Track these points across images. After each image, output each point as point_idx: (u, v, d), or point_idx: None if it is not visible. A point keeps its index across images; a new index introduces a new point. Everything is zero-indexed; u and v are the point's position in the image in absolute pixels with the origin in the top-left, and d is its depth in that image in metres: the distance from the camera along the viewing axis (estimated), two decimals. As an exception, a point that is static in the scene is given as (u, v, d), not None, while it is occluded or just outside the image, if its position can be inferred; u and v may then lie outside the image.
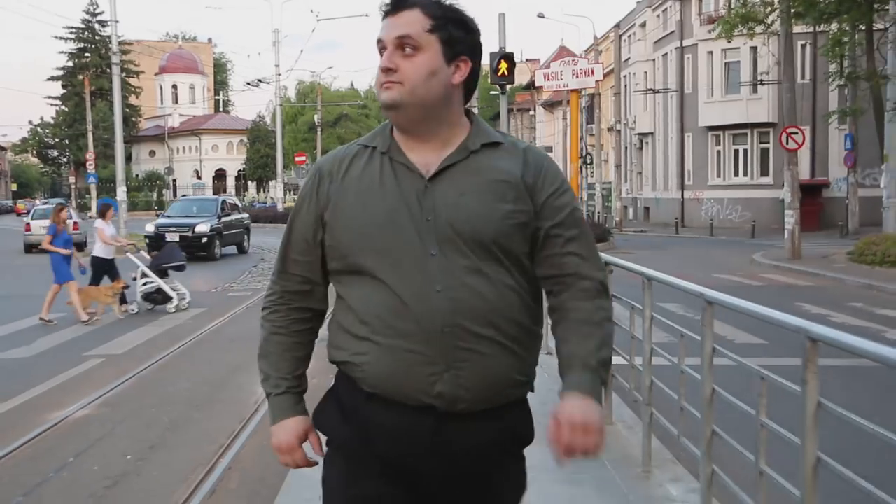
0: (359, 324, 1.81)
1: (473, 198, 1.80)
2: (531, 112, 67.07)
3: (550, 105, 57.49)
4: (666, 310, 8.67)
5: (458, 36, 1.83)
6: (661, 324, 4.57)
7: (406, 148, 1.85)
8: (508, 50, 14.43)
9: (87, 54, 73.68)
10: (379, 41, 1.83)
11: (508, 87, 15.40)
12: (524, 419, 1.90)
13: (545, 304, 1.92)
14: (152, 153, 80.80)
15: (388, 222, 1.79)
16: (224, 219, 23.35)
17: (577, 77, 15.50)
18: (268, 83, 44.80)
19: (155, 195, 67.71)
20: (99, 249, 12.17)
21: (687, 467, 4.42)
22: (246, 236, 25.45)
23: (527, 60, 74.65)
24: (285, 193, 50.61)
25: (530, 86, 58.92)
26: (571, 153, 26.23)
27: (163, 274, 12.41)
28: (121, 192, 30.20)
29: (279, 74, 44.79)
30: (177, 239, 20.33)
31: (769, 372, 2.93)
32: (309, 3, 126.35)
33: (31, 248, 26.00)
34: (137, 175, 73.09)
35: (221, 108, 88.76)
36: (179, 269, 12.65)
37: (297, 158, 47.49)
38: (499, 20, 14.84)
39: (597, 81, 19.50)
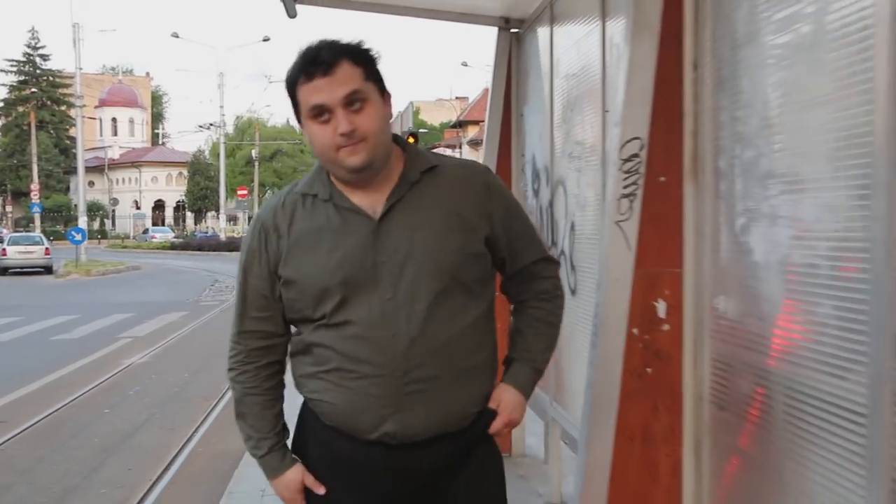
0: (316, 365, 1.85)
1: (426, 233, 1.76)
2: (457, 149, 71.77)
3: (476, 143, 62.15)
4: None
5: (378, 71, 1.78)
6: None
7: (348, 192, 1.80)
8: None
9: (33, 89, 75.89)
10: (318, 107, 1.71)
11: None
12: (482, 423, 1.89)
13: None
14: (91, 184, 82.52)
15: (344, 271, 1.76)
16: None
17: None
18: (219, 126, 48.73)
19: (97, 224, 70.04)
20: None
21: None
22: None
23: (456, 98, 79.29)
24: (227, 223, 54.07)
25: (458, 124, 63.61)
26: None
27: None
28: (82, 222, 33.63)
29: (223, 115, 48.59)
30: None
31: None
32: (257, 56, 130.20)
33: (6, 270, 29.28)
34: (76, 205, 75.06)
35: (161, 141, 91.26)
36: None
37: (240, 192, 51.09)
38: (408, 107, 19.39)
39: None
